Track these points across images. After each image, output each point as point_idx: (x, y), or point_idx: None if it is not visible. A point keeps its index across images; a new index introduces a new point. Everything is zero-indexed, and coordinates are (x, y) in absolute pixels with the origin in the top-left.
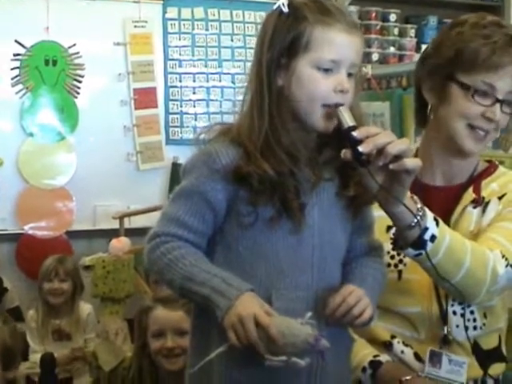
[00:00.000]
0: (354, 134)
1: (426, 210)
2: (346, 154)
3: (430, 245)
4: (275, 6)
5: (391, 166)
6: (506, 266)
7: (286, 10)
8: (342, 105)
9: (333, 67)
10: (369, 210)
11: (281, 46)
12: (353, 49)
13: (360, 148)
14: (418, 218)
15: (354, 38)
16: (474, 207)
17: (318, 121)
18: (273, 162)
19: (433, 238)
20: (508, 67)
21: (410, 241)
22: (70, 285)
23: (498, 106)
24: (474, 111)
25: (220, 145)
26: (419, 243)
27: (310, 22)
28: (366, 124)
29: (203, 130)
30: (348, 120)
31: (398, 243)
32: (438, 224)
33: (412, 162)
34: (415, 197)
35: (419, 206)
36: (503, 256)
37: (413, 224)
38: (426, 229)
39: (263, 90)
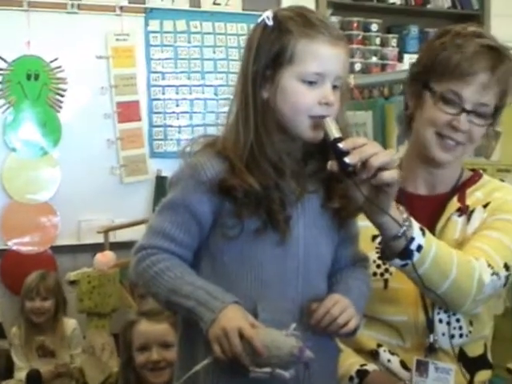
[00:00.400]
0: (341, 145)
1: (412, 220)
2: (332, 165)
3: (416, 255)
4: (260, 19)
5: (372, 182)
6: (492, 274)
7: (270, 23)
8: (326, 117)
9: (317, 80)
10: (353, 221)
11: (266, 59)
12: (338, 61)
13: (346, 159)
14: (404, 228)
15: (338, 50)
16: (459, 216)
17: (306, 131)
18: (258, 174)
19: (419, 248)
20: (477, 76)
21: (397, 251)
22: (53, 303)
23: (464, 115)
24: (440, 119)
25: (205, 157)
26: (405, 253)
27: (295, 35)
28: (350, 135)
29: (189, 143)
30: (334, 131)
31: (385, 253)
32: (424, 234)
33: (388, 175)
34: (401, 207)
35: (405, 216)
36: (489, 265)
37: (399, 234)
38: (413, 239)
39: (248, 102)
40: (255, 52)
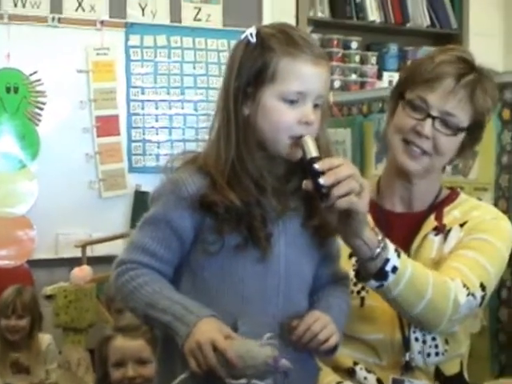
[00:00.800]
0: (316, 165)
1: (387, 241)
2: (307, 184)
3: (391, 276)
4: (243, 36)
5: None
6: (468, 295)
7: (253, 40)
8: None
9: (298, 98)
10: (334, 239)
11: (247, 76)
12: (319, 80)
13: (321, 180)
14: (379, 249)
15: (320, 69)
16: (436, 235)
17: (285, 149)
18: (239, 191)
19: (394, 269)
20: (442, 81)
21: (372, 272)
22: (28, 320)
23: (429, 121)
24: (406, 125)
25: (187, 173)
26: (381, 274)
27: (277, 53)
28: (333, 153)
29: (170, 159)
30: (312, 150)
31: (360, 274)
32: (399, 255)
33: (343, 202)
34: (376, 228)
35: (380, 237)
36: (464, 285)
37: (373, 256)
38: (387, 260)
39: (230, 118)
40: (237, 68)
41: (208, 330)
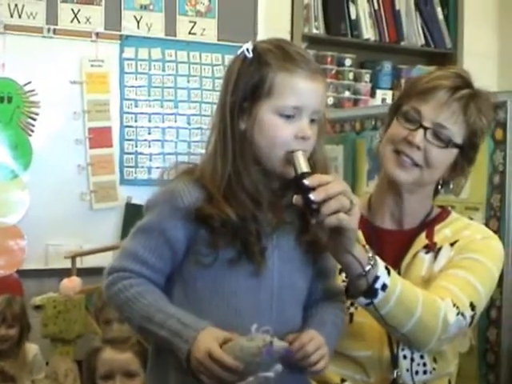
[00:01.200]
0: (306, 181)
1: (378, 258)
2: (297, 200)
3: (381, 294)
4: (240, 51)
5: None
6: (457, 314)
7: (250, 55)
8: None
9: (295, 114)
10: (329, 254)
11: (244, 91)
12: (315, 95)
13: (311, 196)
14: (369, 267)
15: (317, 84)
16: (426, 253)
17: (279, 166)
18: (235, 205)
19: (384, 286)
20: (436, 93)
21: (361, 289)
22: (17, 330)
23: (421, 131)
24: (398, 134)
25: (183, 184)
26: (370, 292)
27: (273, 68)
28: (330, 169)
29: (167, 168)
30: (302, 166)
31: (350, 291)
32: (389, 273)
33: (332, 219)
34: (367, 246)
35: (370, 254)
36: (454, 305)
37: (363, 273)
38: (377, 278)
39: (226, 133)
40: (234, 83)
41: (203, 344)
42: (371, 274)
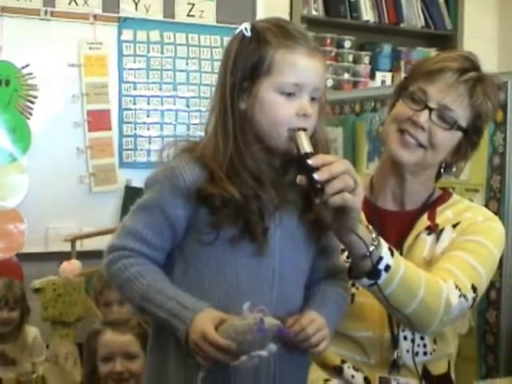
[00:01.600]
0: (309, 161)
1: (381, 239)
2: (301, 179)
3: (384, 275)
4: (238, 30)
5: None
6: (459, 296)
7: (248, 34)
8: (304, 129)
9: (295, 91)
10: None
11: (243, 70)
12: (315, 73)
13: (315, 176)
14: (373, 247)
15: (316, 62)
16: (428, 234)
17: (282, 143)
18: (238, 184)
19: (387, 267)
20: (443, 74)
21: (365, 270)
22: (19, 312)
23: (426, 112)
24: (403, 113)
25: (184, 162)
26: (374, 273)
27: (273, 45)
28: (330, 148)
29: (167, 145)
30: (305, 146)
31: (352, 272)
32: (392, 254)
33: (337, 199)
34: (370, 226)
35: (374, 235)
36: (456, 286)
37: (367, 254)
38: (381, 258)
39: (227, 113)
40: (233, 63)
41: (199, 325)
42: (375, 255)
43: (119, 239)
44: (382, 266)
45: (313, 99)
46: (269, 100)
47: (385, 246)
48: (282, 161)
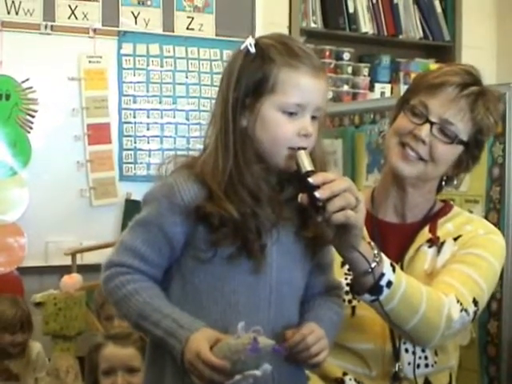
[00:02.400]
0: (311, 179)
1: (383, 255)
2: (302, 198)
3: (386, 291)
4: (242, 46)
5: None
6: (461, 310)
7: (252, 50)
8: (304, 148)
9: (298, 111)
10: (328, 249)
11: (246, 87)
12: (318, 92)
13: (317, 194)
14: (375, 264)
15: (319, 81)
16: (429, 247)
17: (282, 161)
18: (236, 202)
19: (389, 284)
20: (445, 89)
21: (366, 286)
22: (26, 333)
23: (427, 125)
24: (404, 127)
25: (182, 179)
26: (375, 289)
27: (277, 64)
28: (327, 164)
29: (165, 161)
30: (306, 164)
31: (354, 288)
32: (394, 270)
33: (339, 216)
34: (372, 243)
35: (376, 251)
36: (458, 301)
37: (369, 270)
38: (383, 275)
39: (228, 129)
40: (236, 79)
41: (194, 345)
42: (377, 271)
43: (117, 255)
44: (383, 282)
45: (313, 117)
46: (271, 118)
47: (387, 262)
48: (279, 178)
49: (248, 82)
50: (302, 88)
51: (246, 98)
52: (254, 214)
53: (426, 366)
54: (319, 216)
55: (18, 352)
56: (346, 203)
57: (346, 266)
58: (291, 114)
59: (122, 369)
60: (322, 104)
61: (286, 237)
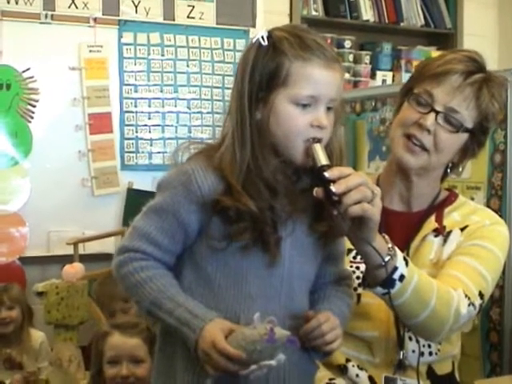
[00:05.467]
0: (326, 174)
1: (397, 249)
2: (318, 192)
3: (398, 284)
4: (255, 39)
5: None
6: (469, 305)
7: (265, 43)
8: (319, 140)
9: (311, 102)
10: (341, 239)
11: (260, 80)
12: (332, 84)
13: (333, 188)
14: (388, 257)
15: (333, 72)
16: (435, 236)
17: (297, 154)
18: (254, 195)
19: (401, 277)
20: (449, 77)
21: (379, 279)
22: (19, 312)
23: (432, 114)
24: (409, 117)
25: (199, 168)
26: (388, 282)
27: (289, 57)
28: (344, 158)
29: (180, 148)
30: (321, 158)
31: (366, 281)
32: (407, 264)
33: (356, 209)
34: (387, 236)
35: (390, 245)
36: (466, 295)
37: (382, 264)
38: (396, 268)
39: (244, 122)
40: (250, 71)
41: (209, 335)
42: (390, 265)
43: (131, 241)
44: (396, 276)
45: (328, 109)
46: (284, 111)
47: (400, 255)
48: (293, 168)
49: (261, 75)
50: (315, 80)
51: (259, 91)
52: (271, 207)
53: (430, 354)
54: (335, 210)
55: (11, 334)
56: (362, 196)
57: (352, 254)
58: (304, 106)
59: (127, 359)
60: (336, 96)
61: (299, 229)
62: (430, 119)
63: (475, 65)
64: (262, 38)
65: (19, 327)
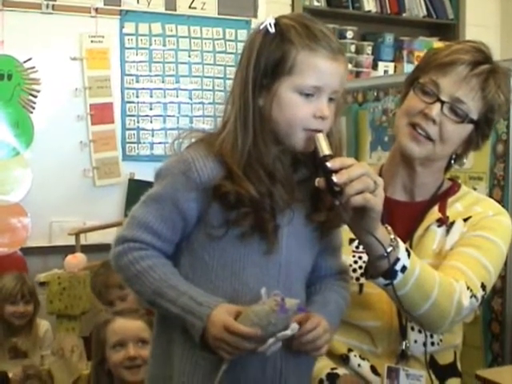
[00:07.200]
0: (329, 164)
1: (399, 240)
2: (320, 182)
3: (400, 275)
4: (262, 26)
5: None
6: (471, 297)
7: (272, 30)
8: (320, 130)
9: (314, 92)
10: (337, 232)
11: (265, 67)
12: (336, 76)
13: (334, 178)
14: (391, 248)
15: (338, 64)
16: (439, 226)
17: (298, 142)
18: (254, 181)
19: (403, 268)
20: (456, 67)
21: (381, 270)
22: (33, 305)
23: (437, 104)
24: (414, 107)
25: (198, 154)
26: (390, 273)
27: (296, 46)
28: (343, 148)
29: (180, 135)
30: (324, 148)
31: (368, 271)
32: (409, 255)
33: (358, 199)
34: (389, 227)
35: (392, 236)
36: (468, 287)
37: (385, 255)
38: (398, 259)
39: (248, 109)
40: (255, 58)
41: (218, 320)
42: (392, 256)
43: (130, 230)
44: (398, 267)
45: (330, 100)
46: (287, 99)
47: (402, 246)
48: (293, 159)
49: (266, 63)
50: (320, 70)
51: (264, 78)
52: (270, 194)
53: (432, 344)
54: (336, 200)
55: (23, 325)
56: (364, 186)
57: (354, 244)
58: (307, 95)
59: (133, 340)
60: (339, 87)
61: (297, 218)
62: (435, 109)
63: (482, 55)
64: (270, 25)
65: (29, 319)
